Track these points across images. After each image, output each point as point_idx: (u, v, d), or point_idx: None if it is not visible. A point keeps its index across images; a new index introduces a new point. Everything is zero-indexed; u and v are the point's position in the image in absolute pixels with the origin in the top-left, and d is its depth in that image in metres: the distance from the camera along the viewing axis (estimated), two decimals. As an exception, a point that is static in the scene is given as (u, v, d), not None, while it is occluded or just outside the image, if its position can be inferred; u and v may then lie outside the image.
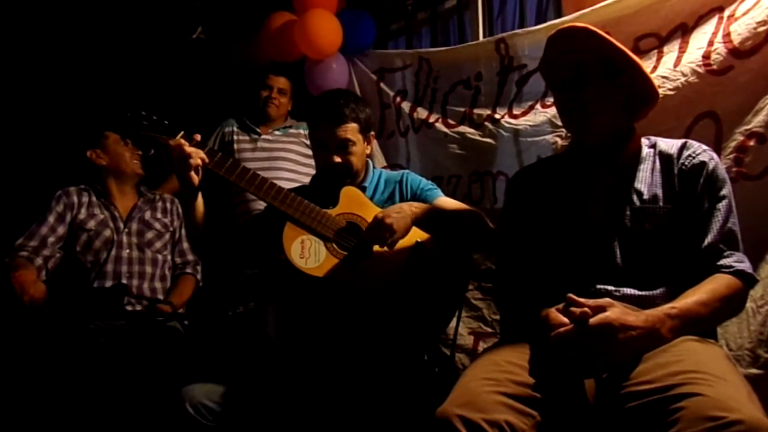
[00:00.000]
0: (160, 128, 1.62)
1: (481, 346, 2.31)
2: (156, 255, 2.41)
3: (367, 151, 1.82)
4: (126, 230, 2.38)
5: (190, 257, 2.52)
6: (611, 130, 1.40)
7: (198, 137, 1.59)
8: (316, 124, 1.75)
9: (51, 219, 2.33)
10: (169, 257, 2.48)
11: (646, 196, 1.34)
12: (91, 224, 2.35)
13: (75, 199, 2.39)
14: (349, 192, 1.73)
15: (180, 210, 2.54)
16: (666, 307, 1.16)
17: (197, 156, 1.53)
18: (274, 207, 1.65)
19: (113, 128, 2.36)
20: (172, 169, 1.56)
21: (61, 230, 2.33)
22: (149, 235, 2.43)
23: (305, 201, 1.66)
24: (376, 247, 1.65)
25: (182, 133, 1.59)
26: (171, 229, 2.51)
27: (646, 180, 1.36)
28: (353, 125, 1.72)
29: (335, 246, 1.65)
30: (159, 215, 2.50)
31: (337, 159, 1.71)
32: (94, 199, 2.42)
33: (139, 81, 3.34)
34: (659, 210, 1.32)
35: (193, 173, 1.53)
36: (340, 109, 1.70)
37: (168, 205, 2.56)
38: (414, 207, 1.64)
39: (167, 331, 2.20)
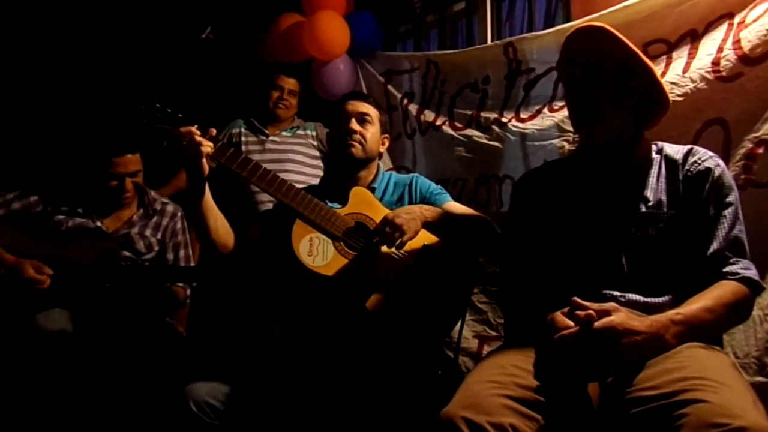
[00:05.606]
0: (174, 121, 1.62)
1: (486, 349, 2.30)
2: None
3: (381, 150, 1.87)
4: None
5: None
6: (619, 134, 1.39)
7: (213, 131, 1.60)
8: (340, 105, 1.84)
9: (17, 205, 2.11)
10: None
11: (651, 202, 1.33)
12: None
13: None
14: (358, 192, 1.75)
15: (177, 227, 2.33)
16: (671, 313, 1.15)
17: (207, 144, 1.55)
18: (284, 204, 1.66)
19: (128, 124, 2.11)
20: (181, 159, 1.57)
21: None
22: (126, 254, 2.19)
23: (315, 199, 1.67)
24: (384, 248, 1.65)
25: (196, 126, 1.59)
26: (156, 248, 2.25)
27: (652, 185, 1.36)
28: (374, 109, 1.85)
29: (343, 245, 1.65)
30: (148, 232, 2.25)
31: (354, 125, 1.77)
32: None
33: (148, 81, 3.35)
34: (663, 215, 1.32)
35: (203, 161, 1.54)
36: (364, 95, 1.98)
37: (165, 222, 2.30)
38: (424, 209, 1.65)
39: (169, 330, 2.19)
